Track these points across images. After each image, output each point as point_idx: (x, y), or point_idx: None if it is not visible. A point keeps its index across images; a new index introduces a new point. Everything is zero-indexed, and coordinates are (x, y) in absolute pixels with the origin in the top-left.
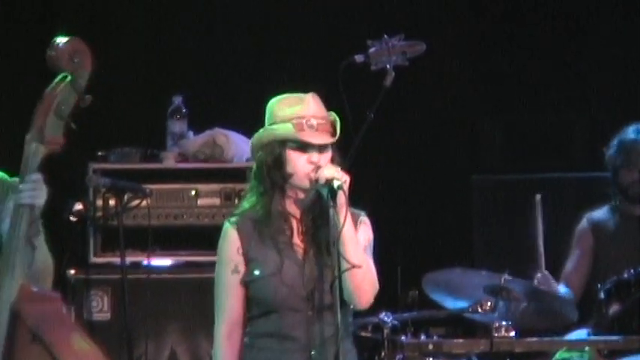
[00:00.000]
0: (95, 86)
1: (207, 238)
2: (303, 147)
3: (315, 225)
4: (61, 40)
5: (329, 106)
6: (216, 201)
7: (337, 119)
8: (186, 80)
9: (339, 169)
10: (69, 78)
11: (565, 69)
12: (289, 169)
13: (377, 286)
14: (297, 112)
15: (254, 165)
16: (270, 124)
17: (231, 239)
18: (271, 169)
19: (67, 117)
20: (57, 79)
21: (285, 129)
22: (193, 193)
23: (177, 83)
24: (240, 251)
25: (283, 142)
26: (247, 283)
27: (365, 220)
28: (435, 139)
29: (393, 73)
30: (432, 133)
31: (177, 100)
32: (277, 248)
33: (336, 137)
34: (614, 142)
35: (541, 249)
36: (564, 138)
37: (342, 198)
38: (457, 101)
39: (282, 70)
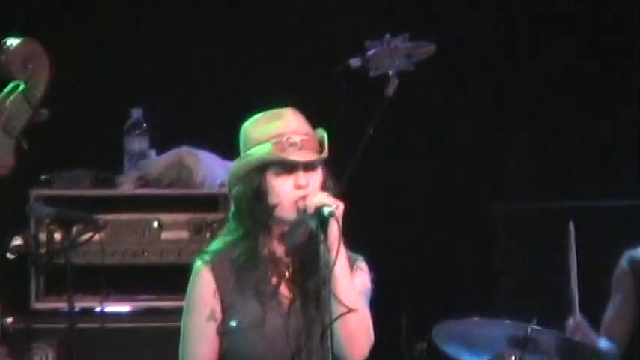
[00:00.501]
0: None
1: (172, 279)
2: (287, 169)
3: (305, 271)
4: (13, 42)
5: (318, 123)
6: (184, 234)
7: (324, 134)
8: (148, 89)
9: (330, 195)
10: (21, 87)
11: (607, 74)
12: (273, 198)
13: (372, 338)
14: (274, 129)
15: (232, 205)
16: (246, 151)
17: (205, 280)
18: (252, 203)
19: (19, 134)
20: (7, 89)
21: (262, 151)
22: (156, 225)
23: (137, 93)
24: (217, 295)
25: (263, 168)
26: (221, 334)
27: (362, 265)
28: (449, 160)
29: (397, 81)
30: (446, 153)
31: (136, 112)
32: (259, 296)
33: (325, 154)
34: None
35: (575, 290)
36: (602, 158)
37: (334, 228)
38: (475, 114)
39: (263, 79)
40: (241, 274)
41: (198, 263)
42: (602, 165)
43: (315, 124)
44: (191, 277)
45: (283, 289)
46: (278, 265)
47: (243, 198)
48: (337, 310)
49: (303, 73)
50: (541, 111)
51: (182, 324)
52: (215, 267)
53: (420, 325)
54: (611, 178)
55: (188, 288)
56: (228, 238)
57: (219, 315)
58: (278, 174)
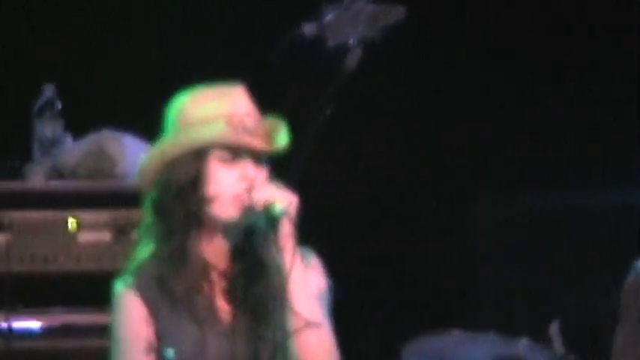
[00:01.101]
0: None
1: (92, 289)
2: (235, 156)
3: (246, 279)
4: None
5: (263, 103)
6: (105, 236)
7: (281, 124)
8: (61, 63)
9: (280, 187)
10: None
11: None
12: (211, 189)
13: (337, 354)
14: (225, 108)
15: (149, 196)
16: (179, 132)
17: (132, 307)
18: (184, 193)
19: None
20: None
21: (212, 130)
22: (72, 225)
23: (49, 67)
24: (150, 320)
25: (203, 153)
26: None
27: (314, 263)
28: (421, 151)
29: (360, 51)
30: (418, 142)
31: (48, 90)
32: (195, 317)
33: (279, 144)
34: None
35: None
36: (594, 151)
37: (286, 228)
38: (454, 94)
39: (198, 50)
40: (169, 289)
41: (119, 288)
42: (593, 159)
43: (259, 105)
44: (114, 307)
45: (222, 303)
46: (211, 273)
47: (170, 187)
48: (293, 324)
49: (245, 42)
50: (528, 96)
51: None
52: (141, 288)
53: (389, 343)
54: (604, 173)
55: (113, 319)
56: (147, 248)
57: (155, 344)
58: (223, 161)
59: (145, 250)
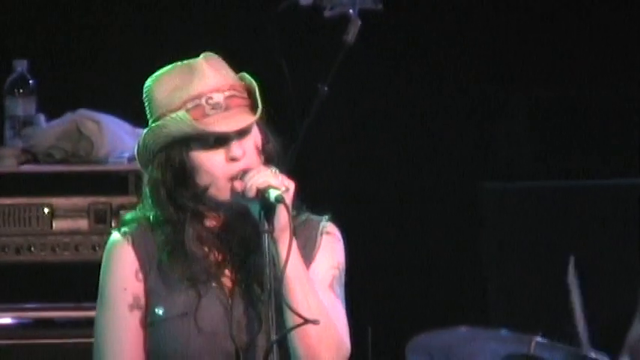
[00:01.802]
0: None
1: (68, 281)
2: (215, 140)
3: (246, 248)
4: None
5: (256, 79)
6: (83, 224)
7: (252, 81)
8: (35, 37)
9: (277, 172)
10: None
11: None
12: (202, 178)
13: (346, 347)
14: (188, 91)
15: (146, 188)
16: (156, 120)
17: (125, 258)
18: (174, 188)
19: None
20: None
21: (176, 122)
22: (47, 211)
23: (21, 41)
24: (140, 276)
25: (183, 143)
26: (145, 326)
27: (329, 228)
28: (427, 130)
29: (360, 23)
30: (423, 120)
31: (21, 66)
32: (191, 280)
33: (259, 110)
34: None
35: (585, 334)
36: (605, 132)
37: (282, 216)
38: (464, 69)
39: (183, 20)
40: (168, 254)
41: (115, 237)
42: (605, 139)
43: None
44: (105, 255)
45: (223, 271)
46: (213, 251)
47: (160, 183)
48: (291, 321)
49: (234, 12)
50: (539, 76)
51: (96, 318)
52: (136, 241)
53: (391, 339)
54: (615, 153)
55: (102, 269)
56: (148, 214)
57: (143, 302)
58: (205, 147)
59: (143, 212)
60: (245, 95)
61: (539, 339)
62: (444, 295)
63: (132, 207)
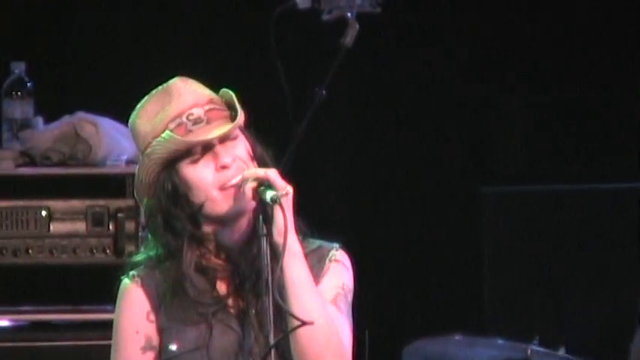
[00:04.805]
0: None
1: (66, 284)
2: (201, 152)
3: (255, 270)
4: None
5: (252, 83)
6: (80, 227)
7: (230, 93)
8: (33, 39)
9: (275, 172)
10: None
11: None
12: (196, 195)
13: (346, 356)
14: (168, 113)
15: (146, 220)
16: (144, 152)
17: (136, 301)
18: (170, 212)
19: None
20: None
21: (162, 143)
22: (44, 214)
23: (19, 42)
24: (152, 317)
25: (171, 164)
26: None
27: (338, 255)
28: (425, 133)
29: (357, 26)
30: (421, 123)
31: (18, 68)
32: (201, 311)
33: (241, 116)
34: None
35: None
36: (605, 134)
37: (278, 219)
38: (461, 72)
39: (179, 23)
40: (175, 286)
41: (125, 282)
42: (603, 142)
43: (248, 85)
44: (118, 300)
45: (229, 296)
46: (218, 273)
47: (156, 211)
48: (289, 323)
49: (230, 16)
50: (536, 79)
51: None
52: (145, 281)
53: (387, 346)
54: (613, 157)
55: (115, 313)
56: (152, 253)
57: (156, 342)
58: (193, 161)
59: (147, 252)
60: (225, 108)
61: (534, 347)
62: (440, 300)
63: (129, 210)
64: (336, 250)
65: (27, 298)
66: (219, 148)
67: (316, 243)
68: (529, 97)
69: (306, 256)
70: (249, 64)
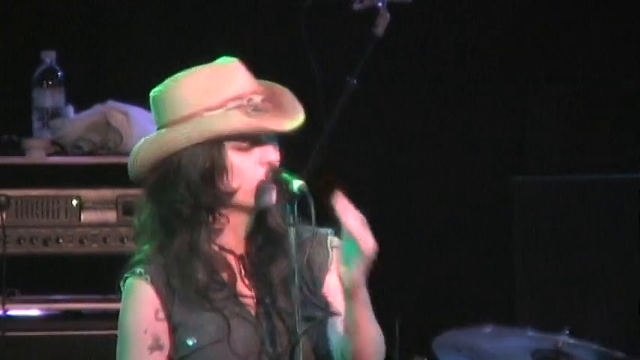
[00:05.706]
0: None
1: (95, 273)
2: (252, 142)
3: (265, 258)
4: None
5: (282, 73)
6: (111, 215)
7: (289, 92)
8: (64, 28)
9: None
10: None
11: None
12: (232, 182)
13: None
14: (230, 91)
15: (147, 190)
16: (178, 121)
17: (144, 298)
18: (195, 189)
19: None
20: None
21: (225, 118)
22: (75, 203)
23: (50, 32)
24: (161, 315)
25: (217, 143)
26: None
27: (336, 242)
28: (457, 124)
29: (389, 16)
30: (453, 111)
31: (49, 57)
32: (216, 304)
33: (302, 115)
34: None
35: None
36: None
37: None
38: (495, 62)
39: (212, 14)
40: (185, 280)
41: (131, 280)
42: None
43: (280, 75)
44: (124, 298)
45: (244, 288)
46: (229, 260)
47: (177, 182)
48: (345, 322)
49: (262, 5)
50: (572, 69)
51: (118, 356)
52: (154, 277)
53: (418, 336)
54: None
55: (121, 312)
56: (153, 245)
57: (165, 341)
58: (241, 149)
59: (148, 243)
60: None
61: (565, 337)
62: (471, 290)
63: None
64: (332, 235)
65: (57, 288)
66: (268, 143)
67: (309, 228)
68: (564, 87)
69: (308, 242)
70: (281, 53)
